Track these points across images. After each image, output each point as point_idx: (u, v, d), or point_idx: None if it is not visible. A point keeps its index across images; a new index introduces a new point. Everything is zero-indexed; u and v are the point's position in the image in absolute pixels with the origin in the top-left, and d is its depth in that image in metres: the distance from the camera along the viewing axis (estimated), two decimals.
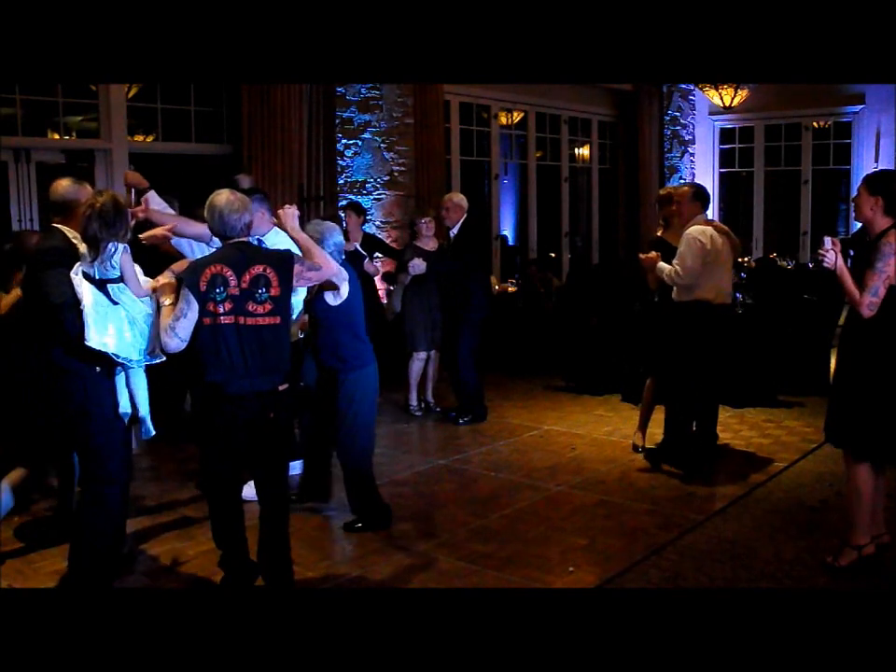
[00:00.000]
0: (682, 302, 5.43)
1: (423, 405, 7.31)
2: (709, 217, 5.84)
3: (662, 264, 5.45)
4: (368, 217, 8.82)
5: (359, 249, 7.06)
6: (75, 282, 3.54)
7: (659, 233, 6.00)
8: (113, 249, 3.56)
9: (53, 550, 4.46)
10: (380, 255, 8.28)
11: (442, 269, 6.87)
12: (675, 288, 5.49)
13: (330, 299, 4.38)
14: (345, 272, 4.35)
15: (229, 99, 8.29)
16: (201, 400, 3.64)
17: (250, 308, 3.43)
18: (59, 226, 3.75)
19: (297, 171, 8.18)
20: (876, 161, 11.73)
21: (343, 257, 4.57)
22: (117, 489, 3.80)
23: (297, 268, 3.57)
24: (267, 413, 3.49)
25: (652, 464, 5.75)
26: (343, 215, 7.81)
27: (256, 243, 4.06)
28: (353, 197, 8.85)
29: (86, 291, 3.52)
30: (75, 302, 3.52)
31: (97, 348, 3.52)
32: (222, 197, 3.51)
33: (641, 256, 5.64)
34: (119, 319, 3.57)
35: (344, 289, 4.36)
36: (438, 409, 7.29)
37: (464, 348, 6.89)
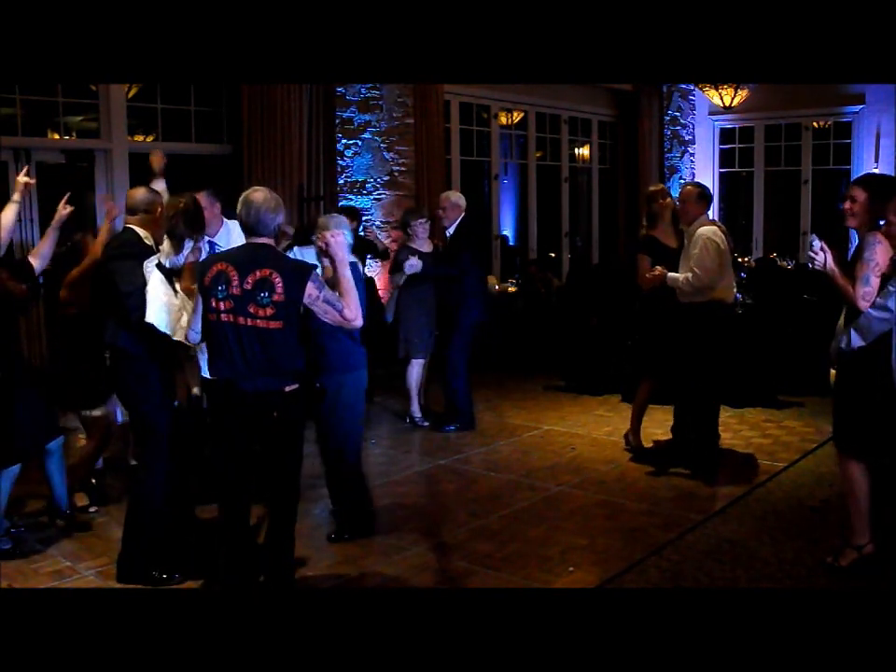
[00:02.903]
0: (699, 304, 5.37)
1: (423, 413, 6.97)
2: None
3: (672, 275, 5.38)
4: (368, 217, 8.84)
5: None
6: (147, 270, 3.94)
7: (645, 232, 5.91)
8: (188, 244, 3.95)
9: (53, 550, 4.47)
10: (370, 256, 8.31)
11: (439, 272, 6.61)
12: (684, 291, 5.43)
13: None
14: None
15: (229, 99, 8.29)
16: (208, 398, 3.64)
17: (251, 310, 3.41)
18: (132, 226, 4.18)
19: (297, 171, 8.19)
20: (876, 161, 11.73)
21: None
22: (154, 473, 4.10)
23: (312, 288, 3.44)
24: (271, 414, 3.48)
25: (651, 464, 5.74)
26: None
27: (206, 244, 4.22)
28: (353, 197, 8.86)
29: (153, 278, 3.92)
30: (143, 289, 3.92)
31: (152, 323, 3.87)
32: (260, 194, 3.52)
33: (648, 275, 5.50)
34: (175, 304, 3.89)
35: None
36: (426, 423, 6.89)
37: (454, 354, 6.61)
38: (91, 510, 5.06)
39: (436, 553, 4.40)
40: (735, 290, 5.72)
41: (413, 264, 6.51)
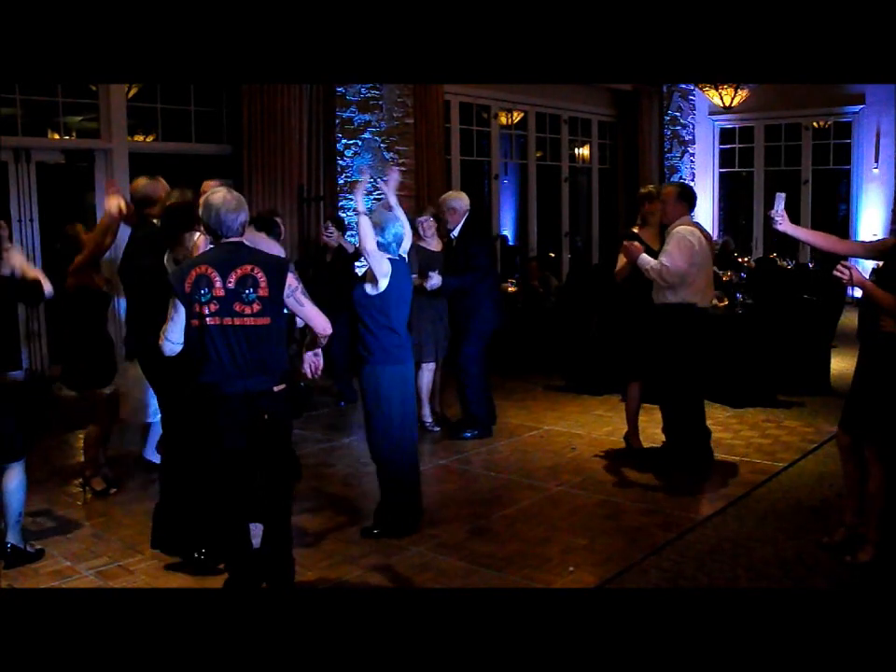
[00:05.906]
0: (668, 305, 5.39)
1: (436, 418, 6.82)
2: (695, 217, 5.78)
3: (645, 256, 5.35)
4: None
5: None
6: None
7: (635, 230, 5.87)
8: (189, 238, 3.99)
9: (53, 550, 4.47)
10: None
11: (458, 283, 6.34)
12: (656, 290, 5.43)
13: (369, 288, 4.44)
14: (389, 266, 4.42)
15: (229, 99, 8.30)
16: (195, 402, 3.59)
17: (237, 308, 3.38)
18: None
19: (297, 171, 8.20)
20: (876, 161, 11.74)
21: (401, 249, 4.63)
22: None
23: (291, 279, 3.48)
24: (261, 414, 3.46)
25: (651, 464, 5.74)
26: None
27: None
28: (353, 197, 8.84)
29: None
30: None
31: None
32: (218, 195, 3.47)
33: (626, 242, 5.48)
34: None
35: (383, 283, 4.41)
36: (436, 429, 6.71)
37: (469, 362, 6.46)
38: (112, 491, 5.27)
39: (436, 552, 4.40)
40: (710, 296, 5.68)
41: (434, 284, 6.26)
